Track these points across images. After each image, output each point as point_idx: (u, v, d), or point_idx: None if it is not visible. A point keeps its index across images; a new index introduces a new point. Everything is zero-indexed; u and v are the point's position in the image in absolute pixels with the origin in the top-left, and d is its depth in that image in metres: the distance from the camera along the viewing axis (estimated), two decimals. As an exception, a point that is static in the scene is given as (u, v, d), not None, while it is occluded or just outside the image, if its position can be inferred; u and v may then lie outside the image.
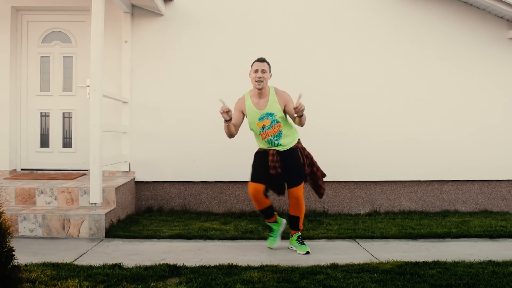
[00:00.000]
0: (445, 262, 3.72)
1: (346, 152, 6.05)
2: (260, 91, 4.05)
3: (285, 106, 4.08)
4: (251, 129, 4.17)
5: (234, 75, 5.98)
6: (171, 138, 5.96)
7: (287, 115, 4.16)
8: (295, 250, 4.13)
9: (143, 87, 5.95)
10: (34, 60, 6.06)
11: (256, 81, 4.00)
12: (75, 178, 5.58)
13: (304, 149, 4.20)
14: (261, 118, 4.04)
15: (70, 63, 6.09)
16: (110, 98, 5.27)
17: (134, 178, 5.88)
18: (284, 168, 4.03)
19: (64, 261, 3.64)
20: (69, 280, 3.10)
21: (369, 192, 6.12)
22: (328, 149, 6.02)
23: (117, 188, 5.03)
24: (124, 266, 3.52)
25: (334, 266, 3.59)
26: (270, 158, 4.03)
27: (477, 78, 6.21)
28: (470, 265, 3.65)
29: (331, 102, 6.05)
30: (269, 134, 4.05)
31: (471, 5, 6.18)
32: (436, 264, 3.68)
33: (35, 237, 4.49)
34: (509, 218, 5.67)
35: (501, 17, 6.23)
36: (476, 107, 6.20)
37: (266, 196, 4.09)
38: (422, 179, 6.14)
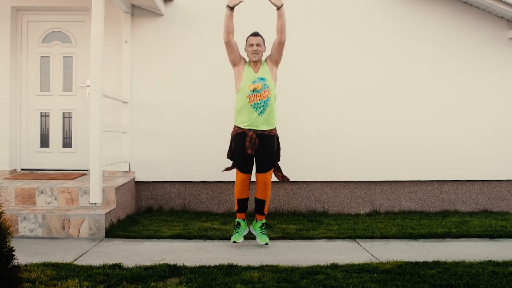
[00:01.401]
0: (445, 262, 3.72)
1: (346, 152, 6.05)
2: (255, 63, 4.29)
3: (271, 58, 4.35)
4: (240, 93, 4.24)
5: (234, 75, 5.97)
6: (171, 138, 5.96)
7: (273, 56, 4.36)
8: (255, 237, 4.37)
9: (143, 87, 5.95)
10: (34, 60, 6.06)
11: (252, 53, 4.27)
12: (75, 178, 5.58)
13: (278, 137, 4.39)
14: (254, 81, 4.22)
15: (70, 63, 6.09)
16: (110, 98, 5.27)
17: (134, 178, 5.88)
18: (258, 152, 4.22)
19: (64, 261, 3.64)
20: (69, 280, 3.10)
21: (369, 192, 6.12)
22: (328, 149, 6.02)
23: (117, 188, 5.03)
24: (124, 266, 3.52)
25: (334, 266, 3.59)
26: (248, 139, 4.20)
27: (477, 78, 6.21)
28: (470, 265, 3.65)
29: (330, 101, 6.05)
30: (258, 98, 4.19)
31: (471, 5, 6.18)
32: (436, 264, 3.68)
33: (35, 237, 4.49)
34: (509, 218, 5.67)
35: (501, 17, 6.23)
36: (476, 107, 6.20)
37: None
38: (422, 179, 6.15)
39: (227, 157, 4.44)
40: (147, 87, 5.95)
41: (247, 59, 4.39)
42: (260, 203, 4.38)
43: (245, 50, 4.37)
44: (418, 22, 6.14)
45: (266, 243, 4.27)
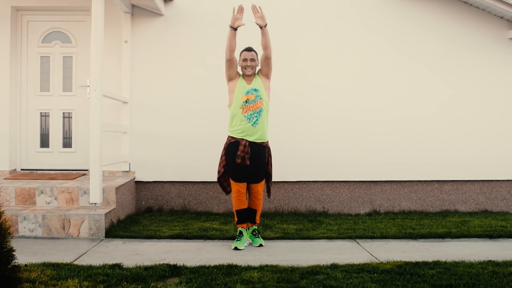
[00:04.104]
0: (445, 262, 3.72)
1: (346, 152, 6.05)
2: (249, 76, 4.38)
3: (262, 71, 4.43)
4: (233, 104, 4.33)
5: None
6: (171, 138, 5.96)
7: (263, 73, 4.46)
8: (251, 243, 4.37)
9: (143, 87, 5.95)
10: (34, 60, 6.06)
11: (245, 68, 4.36)
12: (75, 178, 5.58)
13: (269, 149, 4.48)
14: (247, 92, 4.30)
15: (70, 63, 6.09)
16: (110, 98, 5.27)
17: (134, 178, 5.88)
18: (252, 162, 4.25)
19: (64, 261, 3.64)
20: (69, 280, 3.10)
21: (369, 192, 6.12)
22: (328, 149, 6.02)
23: (117, 188, 5.03)
24: (124, 266, 3.52)
25: (334, 266, 3.59)
26: (241, 148, 4.24)
27: (477, 78, 6.21)
28: (470, 265, 3.65)
29: (330, 100, 6.05)
30: (251, 109, 4.26)
31: (471, 5, 6.18)
32: (436, 264, 3.68)
33: (35, 237, 4.49)
34: (509, 218, 5.67)
35: (501, 17, 6.23)
36: (476, 107, 6.20)
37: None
38: (422, 179, 6.14)
39: (218, 179, 4.45)
40: (147, 87, 5.95)
41: (241, 73, 4.46)
42: (252, 213, 4.40)
43: (239, 64, 4.43)
44: (417, 23, 6.14)
45: (260, 244, 4.30)
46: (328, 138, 6.03)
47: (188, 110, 5.96)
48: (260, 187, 4.34)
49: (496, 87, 6.24)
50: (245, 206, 4.32)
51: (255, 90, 4.32)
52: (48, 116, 6.09)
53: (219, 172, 4.45)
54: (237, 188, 4.27)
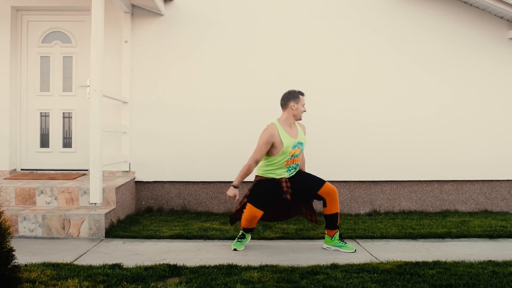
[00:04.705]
0: (445, 262, 3.72)
1: (346, 152, 6.05)
2: (291, 124, 4.21)
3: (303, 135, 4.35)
4: (280, 155, 4.10)
5: (234, 75, 5.98)
6: (171, 138, 5.96)
7: None
8: (338, 250, 4.18)
9: (143, 87, 5.95)
10: (34, 60, 6.06)
11: (302, 113, 4.23)
12: (75, 178, 5.58)
13: None
14: (294, 146, 4.14)
15: (70, 63, 6.09)
16: (110, 98, 5.27)
17: (134, 178, 5.88)
18: (298, 187, 4.16)
19: (64, 261, 3.64)
20: (69, 280, 3.10)
21: (369, 192, 6.12)
22: (328, 149, 6.02)
23: (117, 188, 5.03)
24: (124, 266, 3.52)
25: (334, 266, 3.59)
26: (284, 184, 4.13)
27: (477, 78, 6.21)
28: (470, 265, 3.65)
29: (330, 101, 6.05)
30: (294, 162, 4.19)
31: (471, 5, 6.17)
32: (436, 264, 3.68)
33: (35, 237, 4.49)
34: (509, 218, 5.67)
35: (501, 17, 6.23)
36: (476, 107, 6.20)
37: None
38: (422, 179, 6.14)
39: (232, 220, 4.34)
40: (147, 87, 5.95)
41: (275, 121, 4.19)
42: (333, 218, 4.19)
43: (292, 106, 4.15)
44: (416, 22, 6.13)
45: (355, 250, 4.15)
46: (328, 138, 6.03)
47: (188, 109, 5.96)
48: (330, 184, 4.13)
49: (496, 87, 6.24)
50: (254, 226, 4.24)
51: (301, 144, 4.20)
52: (48, 116, 6.09)
53: (235, 210, 4.33)
54: (256, 214, 4.08)
